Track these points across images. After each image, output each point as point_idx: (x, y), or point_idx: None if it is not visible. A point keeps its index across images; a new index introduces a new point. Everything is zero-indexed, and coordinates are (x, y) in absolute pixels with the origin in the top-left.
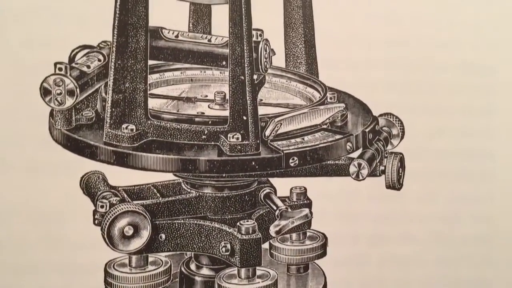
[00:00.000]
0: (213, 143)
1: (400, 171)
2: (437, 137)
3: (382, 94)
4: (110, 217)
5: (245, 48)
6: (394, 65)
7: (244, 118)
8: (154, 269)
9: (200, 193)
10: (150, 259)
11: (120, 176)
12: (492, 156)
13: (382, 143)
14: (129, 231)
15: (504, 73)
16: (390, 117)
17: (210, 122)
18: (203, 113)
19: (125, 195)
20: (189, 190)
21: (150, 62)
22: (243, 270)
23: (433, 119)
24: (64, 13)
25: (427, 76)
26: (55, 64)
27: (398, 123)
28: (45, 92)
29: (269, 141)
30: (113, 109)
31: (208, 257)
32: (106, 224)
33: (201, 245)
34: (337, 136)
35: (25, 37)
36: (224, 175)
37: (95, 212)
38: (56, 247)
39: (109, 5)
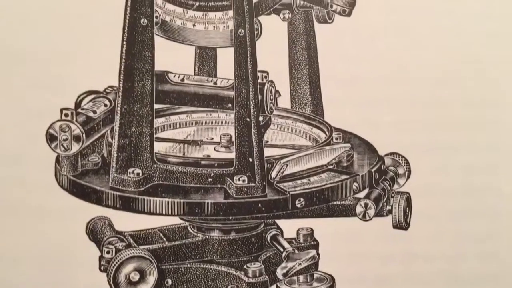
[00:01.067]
0: (219, 185)
1: (407, 211)
2: (443, 175)
3: (387, 133)
4: (116, 263)
5: (250, 90)
6: (398, 104)
7: (250, 160)
8: None
9: (207, 236)
10: None
11: (127, 221)
12: (499, 193)
13: (388, 182)
14: (135, 276)
15: (508, 108)
16: (396, 157)
17: (216, 164)
18: (209, 156)
19: (131, 240)
20: (195, 234)
21: (156, 106)
22: None
23: (439, 157)
24: (70, 58)
25: (432, 114)
26: (61, 110)
27: (404, 162)
28: (51, 138)
29: (275, 182)
30: (119, 154)
31: None
32: (112, 270)
33: None
34: (343, 177)
35: (31, 83)
36: (230, 217)
37: (101, 258)
38: None
39: (115, 51)
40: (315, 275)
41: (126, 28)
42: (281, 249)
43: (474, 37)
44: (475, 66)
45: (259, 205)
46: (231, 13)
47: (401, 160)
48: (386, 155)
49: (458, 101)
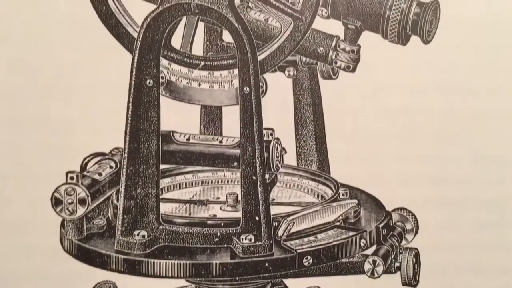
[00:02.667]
0: (226, 245)
1: (416, 267)
2: (451, 230)
3: (394, 188)
4: None
5: (256, 148)
6: (405, 159)
7: (257, 218)
8: None
9: None
10: None
11: (133, 285)
12: (508, 248)
13: (396, 238)
14: None
15: None
16: (404, 212)
17: (222, 224)
18: (215, 215)
19: None
20: None
21: (162, 166)
22: None
23: (447, 212)
24: (76, 121)
25: (439, 169)
26: (67, 173)
27: (412, 218)
28: (56, 202)
29: (282, 241)
30: (125, 216)
31: None
32: None
33: None
34: (351, 233)
35: (37, 148)
36: (237, 278)
37: None
38: None
39: (121, 112)
40: None
41: (132, 89)
42: None
43: (479, 92)
44: (481, 121)
45: (266, 264)
46: (236, 71)
47: (409, 215)
48: (394, 210)
49: (465, 157)
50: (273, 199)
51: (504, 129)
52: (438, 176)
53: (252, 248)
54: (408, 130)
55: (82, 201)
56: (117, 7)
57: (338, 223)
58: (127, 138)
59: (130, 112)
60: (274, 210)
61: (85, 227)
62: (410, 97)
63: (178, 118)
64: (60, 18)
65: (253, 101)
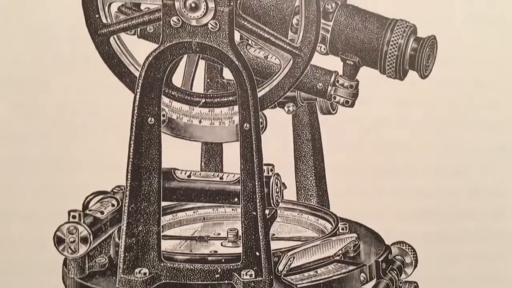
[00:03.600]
0: (226, 281)
1: None
2: (450, 264)
3: (393, 222)
4: None
5: (256, 184)
6: (404, 193)
7: (257, 254)
8: None
9: None
10: None
11: None
12: (507, 282)
13: (396, 272)
14: None
15: None
16: (403, 246)
17: (223, 260)
18: (216, 251)
19: None
20: None
21: (163, 203)
22: None
23: (446, 245)
24: (78, 160)
25: (438, 203)
26: (69, 212)
27: (411, 252)
28: (58, 241)
29: (282, 275)
30: (126, 254)
31: None
32: None
33: None
34: (351, 267)
35: (39, 186)
36: None
37: None
38: None
39: (123, 150)
40: None
41: (134, 127)
42: None
43: (476, 126)
44: (479, 155)
45: None
46: (236, 108)
47: (408, 249)
48: (393, 244)
49: (464, 190)
50: (273, 234)
51: (502, 162)
52: (437, 209)
53: (253, 284)
54: (406, 164)
55: (84, 240)
56: (119, 47)
57: (338, 257)
58: (129, 176)
59: (131, 150)
60: (274, 245)
61: (87, 266)
62: (408, 131)
63: (179, 155)
64: (63, 58)
65: (253, 137)
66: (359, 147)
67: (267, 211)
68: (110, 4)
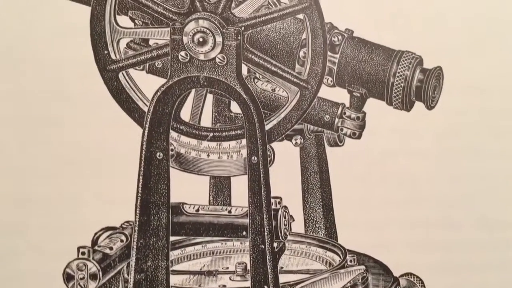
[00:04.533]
0: None
1: None
2: None
3: (401, 254)
4: None
5: (264, 216)
6: (412, 224)
7: (266, 287)
8: None
9: None
10: None
11: None
12: None
13: None
14: None
15: None
16: (411, 277)
17: None
18: (225, 286)
19: None
20: None
21: (172, 238)
22: None
23: (454, 276)
24: (87, 197)
25: (445, 234)
26: (78, 248)
27: (419, 283)
28: (68, 277)
29: None
30: None
31: None
32: None
33: None
34: None
35: (48, 223)
36: None
37: None
38: None
39: (131, 185)
40: None
41: (143, 162)
42: None
43: (483, 156)
44: (485, 185)
45: None
46: (244, 141)
47: (416, 280)
48: (401, 276)
49: (471, 221)
50: (282, 267)
51: (508, 191)
52: (444, 240)
53: None
54: (414, 195)
55: (93, 276)
56: (128, 82)
57: None
58: (138, 211)
59: (140, 185)
60: (283, 278)
61: None
62: (415, 162)
63: (188, 189)
64: (72, 94)
65: (261, 170)
66: (367, 178)
67: (275, 244)
68: (119, 40)
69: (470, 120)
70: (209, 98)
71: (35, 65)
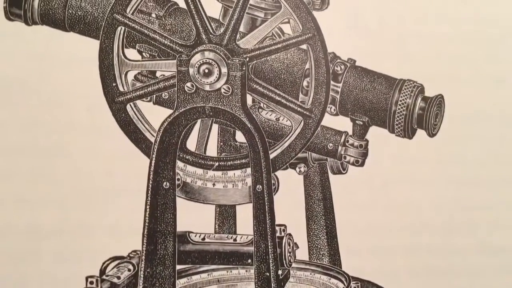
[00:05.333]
0: None
1: None
2: None
3: (404, 280)
4: None
5: (269, 244)
6: (415, 251)
7: None
8: None
9: None
10: None
11: None
12: None
13: None
14: None
15: None
16: None
17: None
18: None
19: None
20: None
21: (178, 266)
22: None
23: None
24: (95, 226)
25: (448, 261)
26: (87, 278)
27: None
28: None
29: None
30: None
31: None
32: None
33: None
34: None
35: (57, 252)
36: None
37: None
38: None
39: (138, 215)
40: None
41: (150, 192)
42: None
43: (484, 183)
44: (487, 212)
45: None
46: (249, 170)
47: None
48: None
49: (473, 248)
50: None
51: (511, 218)
52: (447, 267)
53: None
54: (417, 222)
55: None
56: (135, 114)
57: None
58: (145, 241)
59: (147, 215)
60: None
61: None
62: (417, 189)
63: (194, 218)
64: (80, 125)
65: (266, 198)
66: (370, 205)
67: (280, 272)
68: (127, 73)
69: (471, 147)
70: (215, 127)
71: (45, 97)
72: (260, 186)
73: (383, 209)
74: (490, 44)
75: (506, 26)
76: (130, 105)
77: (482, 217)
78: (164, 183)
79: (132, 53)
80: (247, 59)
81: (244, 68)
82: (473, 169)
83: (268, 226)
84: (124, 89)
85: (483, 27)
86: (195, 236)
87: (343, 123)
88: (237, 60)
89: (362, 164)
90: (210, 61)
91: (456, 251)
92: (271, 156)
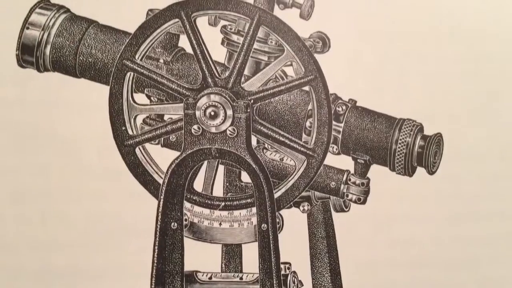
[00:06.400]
0: None
1: None
2: None
3: None
4: None
5: (274, 282)
6: (417, 286)
7: None
8: None
9: None
10: None
11: None
12: None
13: None
14: None
15: None
16: None
17: None
18: None
19: None
20: None
21: None
22: None
23: None
24: (104, 268)
25: None
26: None
27: None
28: None
29: None
30: None
31: None
32: None
33: None
34: None
35: None
36: None
37: None
38: None
39: (146, 256)
40: None
41: (158, 233)
42: None
43: (484, 219)
44: (486, 247)
45: None
46: (254, 209)
47: None
48: None
49: (473, 282)
50: None
51: (509, 253)
52: None
53: None
54: (419, 258)
55: None
56: (144, 156)
57: None
58: (153, 281)
59: (155, 255)
60: None
61: None
62: (418, 226)
63: (200, 257)
64: (91, 168)
65: (271, 237)
66: (372, 242)
67: None
68: (135, 117)
69: (470, 184)
70: (221, 168)
71: (57, 141)
72: (265, 225)
73: (385, 246)
74: (488, 83)
75: (504, 65)
76: (139, 148)
77: (482, 252)
78: (172, 224)
79: (140, 98)
80: (252, 101)
81: (248, 110)
82: (472, 205)
83: (273, 264)
84: (133, 133)
85: (481, 66)
86: (202, 275)
87: (345, 162)
88: (242, 103)
89: (364, 202)
90: (216, 103)
91: (457, 286)
92: (276, 195)
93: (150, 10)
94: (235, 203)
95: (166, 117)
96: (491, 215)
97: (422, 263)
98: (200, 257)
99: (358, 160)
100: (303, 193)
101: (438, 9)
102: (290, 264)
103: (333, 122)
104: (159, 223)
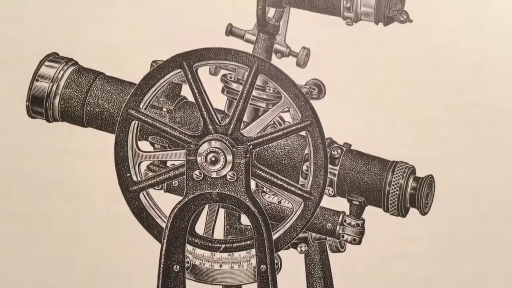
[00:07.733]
0: None
1: None
2: None
3: None
4: None
5: None
6: None
7: None
8: None
9: None
10: None
11: None
12: None
13: None
14: None
15: None
16: None
17: None
18: None
19: None
20: None
21: None
22: None
23: None
24: None
25: None
26: None
27: None
28: None
29: None
30: None
31: None
32: None
33: None
34: None
35: None
36: None
37: None
38: None
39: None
40: None
41: (161, 275)
42: None
43: (476, 258)
44: (480, 285)
45: None
46: (253, 251)
47: None
48: None
49: None
50: None
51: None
52: None
53: None
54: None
55: None
56: (147, 202)
57: None
58: None
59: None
60: None
61: None
62: (412, 265)
63: None
64: (97, 214)
65: (270, 277)
66: (368, 281)
67: None
68: (140, 163)
69: (462, 223)
70: (221, 212)
71: (65, 188)
72: (264, 266)
73: (380, 285)
74: (476, 127)
75: (490, 110)
76: (143, 193)
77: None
78: (174, 266)
79: (144, 145)
80: (251, 146)
81: (248, 155)
82: (463, 245)
83: None
84: (137, 179)
85: (469, 111)
86: None
87: (341, 204)
88: (241, 148)
89: (359, 242)
90: (217, 149)
91: None
92: (274, 237)
93: (154, 61)
94: (235, 245)
95: (169, 163)
96: (483, 255)
97: None
98: None
99: (353, 202)
100: (301, 235)
101: (428, 60)
102: None
103: (329, 166)
104: (162, 265)
